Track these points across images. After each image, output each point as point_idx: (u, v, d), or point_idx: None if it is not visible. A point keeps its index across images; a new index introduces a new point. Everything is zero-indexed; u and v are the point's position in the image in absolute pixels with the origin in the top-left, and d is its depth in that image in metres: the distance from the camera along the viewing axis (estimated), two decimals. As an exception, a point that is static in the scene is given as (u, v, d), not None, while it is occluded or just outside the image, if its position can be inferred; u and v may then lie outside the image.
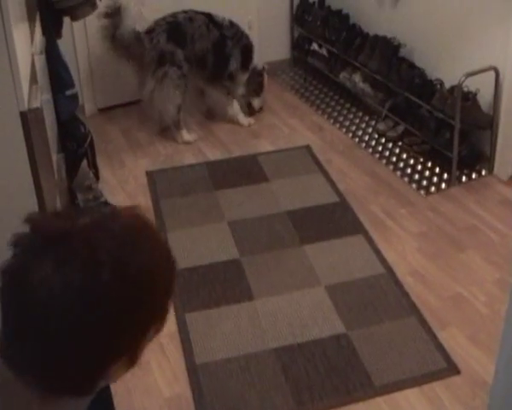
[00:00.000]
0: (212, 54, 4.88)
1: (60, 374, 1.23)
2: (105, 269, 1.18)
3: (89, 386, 1.29)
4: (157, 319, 1.32)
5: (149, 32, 4.73)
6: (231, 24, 4.97)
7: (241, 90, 5.14)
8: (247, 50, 5.06)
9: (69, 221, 1.24)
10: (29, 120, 2.47)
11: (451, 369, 3.03)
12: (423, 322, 3.25)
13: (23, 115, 2.45)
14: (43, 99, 2.93)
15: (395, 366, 3.04)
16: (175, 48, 4.73)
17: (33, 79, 2.76)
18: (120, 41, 4.60)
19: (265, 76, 5.20)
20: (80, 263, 1.17)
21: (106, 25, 4.56)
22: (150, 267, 1.25)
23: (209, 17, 4.90)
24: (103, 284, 1.18)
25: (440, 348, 3.12)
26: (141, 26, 4.69)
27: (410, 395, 2.93)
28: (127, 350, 1.28)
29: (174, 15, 4.82)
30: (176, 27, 4.78)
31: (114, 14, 4.50)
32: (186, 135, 4.88)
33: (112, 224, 1.26)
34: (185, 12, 4.86)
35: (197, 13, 4.88)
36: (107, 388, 1.79)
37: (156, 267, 1.27)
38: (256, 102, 5.21)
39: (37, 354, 1.21)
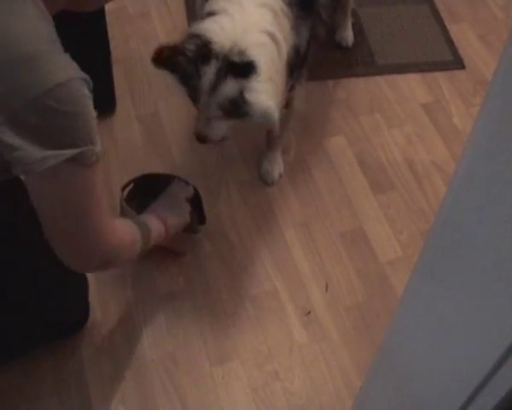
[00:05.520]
0: None
1: None
2: None
3: None
4: None
5: None
6: None
7: None
8: None
9: None
10: None
11: (457, 63, 2.96)
12: (436, 12, 3.12)
13: None
14: None
15: (400, 50, 2.96)
16: None
17: None
18: None
19: None
20: None
21: None
22: None
23: None
24: None
25: (449, 41, 3.03)
26: None
27: (411, 80, 2.88)
28: None
29: None
30: None
31: None
32: None
33: None
34: None
35: None
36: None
37: None
38: None
39: None
